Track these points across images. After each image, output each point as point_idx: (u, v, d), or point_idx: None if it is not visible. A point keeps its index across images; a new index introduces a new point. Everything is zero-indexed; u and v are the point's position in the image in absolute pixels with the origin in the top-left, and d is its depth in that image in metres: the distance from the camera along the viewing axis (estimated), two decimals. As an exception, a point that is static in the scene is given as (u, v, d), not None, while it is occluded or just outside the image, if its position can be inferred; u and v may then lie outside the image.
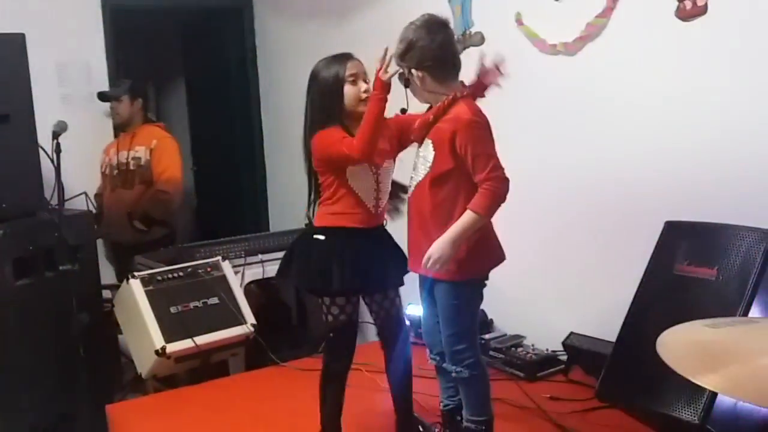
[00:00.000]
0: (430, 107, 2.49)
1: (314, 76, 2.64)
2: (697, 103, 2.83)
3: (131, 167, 4.53)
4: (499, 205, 2.34)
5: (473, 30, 3.69)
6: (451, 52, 2.45)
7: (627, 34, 3.03)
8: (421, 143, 2.49)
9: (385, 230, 2.72)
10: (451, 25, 2.49)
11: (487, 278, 2.52)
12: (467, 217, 2.32)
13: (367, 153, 2.46)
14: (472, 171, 2.33)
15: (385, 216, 2.72)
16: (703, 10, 2.75)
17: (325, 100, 2.59)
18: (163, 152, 4.52)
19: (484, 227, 2.41)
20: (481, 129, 2.37)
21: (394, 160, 2.72)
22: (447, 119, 2.38)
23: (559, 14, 3.27)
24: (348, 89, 2.58)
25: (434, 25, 2.42)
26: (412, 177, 2.50)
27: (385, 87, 2.42)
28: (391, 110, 2.51)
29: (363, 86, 2.59)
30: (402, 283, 2.74)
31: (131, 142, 4.57)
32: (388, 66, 2.40)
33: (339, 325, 2.64)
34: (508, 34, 3.49)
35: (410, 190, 2.51)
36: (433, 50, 2.40)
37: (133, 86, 4.63)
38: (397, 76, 2.44)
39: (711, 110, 2.79)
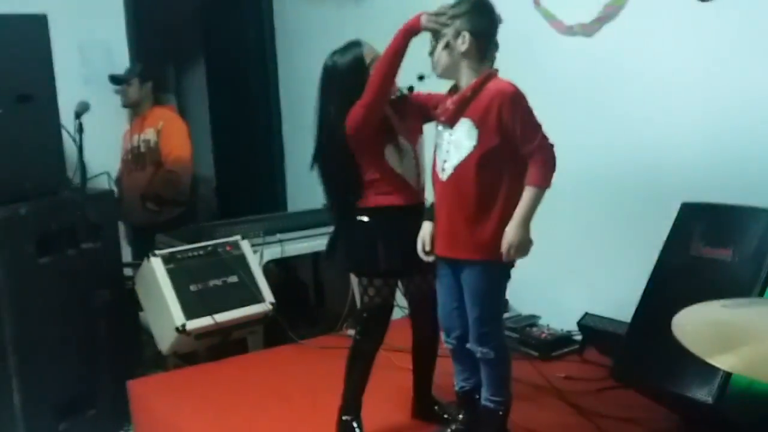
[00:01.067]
0: (452, 89, 2.43)
1: (332, 67, 2.60)
2: (714, 84, 2.82)
3: (142, 150, 4.59)
4: (554, 173, 2.34)
5: (491, 11, 3.68)
6: (493, 23, 2.41)
7: (645, 15, 3.02)
8: (453, 123, 2.40)
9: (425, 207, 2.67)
10: None
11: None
12: (530, 193, 2.31)
13: (364, 115, 2.46)
14: (522, 142, 2.31)
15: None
16: (722, -9, 2.74)
17: (352, 81, 2.54)
18: (171, 132, 4.57)
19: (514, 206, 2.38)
20: (525, 100, 2.35)
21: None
22: (486, 95, 2.33)
23: (577, -5, 3.27)
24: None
25: (492, 5, 2.41)
26: (445, 161, 2.41)
27: (411, 31, 2.37)
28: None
29: None
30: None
31: (142, 125, 4.64)
32: (439, 18, 2.36)
33: (374, 306, 2.66)
34: (525, 14, 3.47)
35: (443, 174, 2.41)
36: (492, 22, 2.38)
37: (144, 69, 4.68)
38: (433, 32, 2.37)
39: (729, 92, 2.78)
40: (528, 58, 3.54)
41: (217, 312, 3.54)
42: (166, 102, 4.92)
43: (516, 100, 2.32)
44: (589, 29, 3.23)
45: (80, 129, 3.35)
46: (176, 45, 6.73)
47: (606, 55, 3.20)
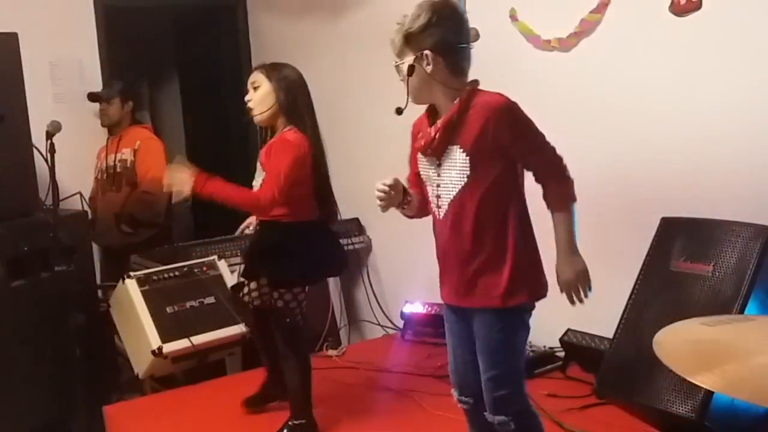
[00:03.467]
0: (430, 115, 2.17)
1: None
2: (691, 98, 2.83)
3: (118, 170, 4.52)
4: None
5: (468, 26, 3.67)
6: (469, 42, 2.15)
7: (621, 29, 3.03)
8: (441, 154, 2.12)
9: None
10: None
11: (534, 305, 2.21)
12: (565, 215, 2.09)
13: None
14: (527, 159, 2.08)
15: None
16: (697, 6, 2.75)
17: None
18: (147, 153, 4.50)
19: (534, 243, 2.17)
20: (521, 110, 2.09)
21: None
22: (474, 115, 2.05)
23: (554, 10, 3.27)
24: None
25: (455, 8, 2.14)
26: (438, 197, 2.14)
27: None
28: (385, 113, 2.47)
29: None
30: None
31: (118, 144, 4.56)
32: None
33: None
34: (502, 29, 3.48)
35: (439, 212, 2.14)
36: (457, 31, 2.11)
37: (125, 88, 4.61)
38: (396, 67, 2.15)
39: (705, 106, 2.79)
40: (505, 74, 3.53)
41: (194, 334, 3.50)
42: (141, 119, 4.85)
43: (511, 113, 2.07)
44: (566, 44, 3.24)
45: (52, 149, 3.29)
46: (149, 61, 6.68)
47: (583, 70, 3.20)
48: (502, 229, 2.09)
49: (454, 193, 2.10)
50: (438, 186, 2.14)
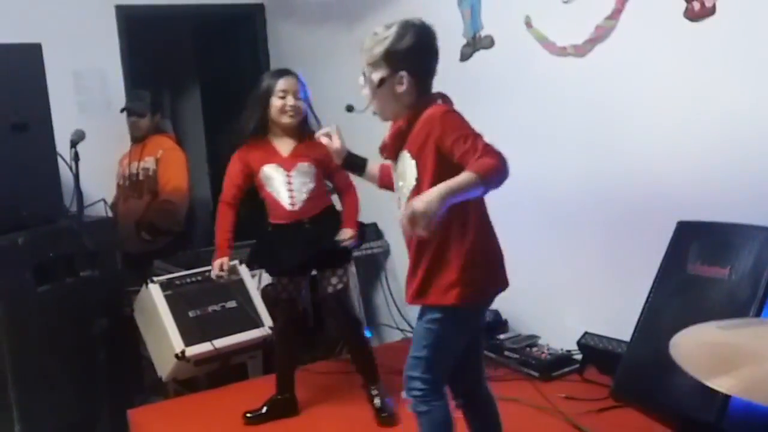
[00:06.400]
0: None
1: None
2: (706, 103, 2.84)
3: (141, 177, 4.59)
4: (500, 179, 2.01)
5: (483, 33, 3.71)
6: (436, 59, 2.21)
7: (636, 35, 3.04)
8: (395, 158, 2.25)
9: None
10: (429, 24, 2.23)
11: (485, 306, 2.32)
12: (465, 175, 1.97)
13: None
14: (463, 158, 2.03)
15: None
16: (711, 11, 2.76)
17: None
18: (169, 162, 4.56)
19: (491, 249, 2.23)
20: (457, 114, 2.13)
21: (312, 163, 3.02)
22: (420, 124, 2.15)
23: (568, 17, 3.29)
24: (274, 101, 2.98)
25: (434, 35, 2.21)
26: (399, 198, 2.26)
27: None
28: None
29: (290, 101, 2.96)
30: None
31: (142, 152, 4.62)
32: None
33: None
34: (517, 36, 3.51)
35: (400, 211, 2.14)
36: (435, 59, 2.20)
37: (154, 100, 4.68)
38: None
39: (721, 110, 2.80)
40: (520, 80, 3.57)
41: (216, 338, 3.54)
42: (163, 127, 4.93)
43: (445, 117, 2.11)
44: (581, 50, 3.26)
45: (76, 157, 3.37)
46: (171, 70, 6.76)
47: (598, 76, 3.22)
48: (446, 232, 2.13)
49: (408, 195, 2.18)
50: (398, 188, 2.27)
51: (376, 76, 2.18)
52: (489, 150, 2.03)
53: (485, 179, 1.98)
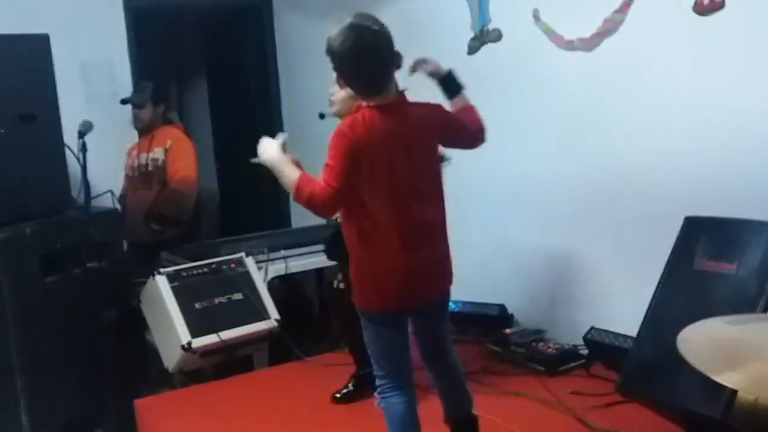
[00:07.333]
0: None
1: None
2: (715, 98, 2.83)
3: (149, 168, 4.60)
4: (309, 204, 2.22)
5: (491, 26, 3.70)
6: (366, 64, 2.24)
7: (644, 29, 3.03)
8: None
9: None
10: (376, 27, 2.29)
11: (392, 314, 2.34)
12: (296, 178, 2.25)
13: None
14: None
15: None
16: (720, 5, 2.75)
17: None
18: (178, 152, 4.57)
19: (375, 268, 2.29)
20: (338, 137, 2.22)
21: None
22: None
23: (576, 10, 3.28)
24: None
25: (359, 30, 2.25)
26: None
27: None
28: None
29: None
30: None
31: (150, 143, 4.64)
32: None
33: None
34: (525, 30, 3.50)
35: None
36: (352, 55, 2.23)
37: (155, 91, 4.68)
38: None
39: (730, 105, 2.79)
40: (528, 73, 3.56)
41: (222, 330, 3.55)
42: (172, 119, 4.93)
43: (332, 137, 2.24)
44: (588, 44, 3.25)
45: (84, 148, 3.38)
46: (178, 61, 6.77)
47: (606, 70, 3.21)
48: (350, 237, 2.32)
49: None
50: None
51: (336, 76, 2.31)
52: (324, 185, 2.20)
53: (298, 194, 2.23)
